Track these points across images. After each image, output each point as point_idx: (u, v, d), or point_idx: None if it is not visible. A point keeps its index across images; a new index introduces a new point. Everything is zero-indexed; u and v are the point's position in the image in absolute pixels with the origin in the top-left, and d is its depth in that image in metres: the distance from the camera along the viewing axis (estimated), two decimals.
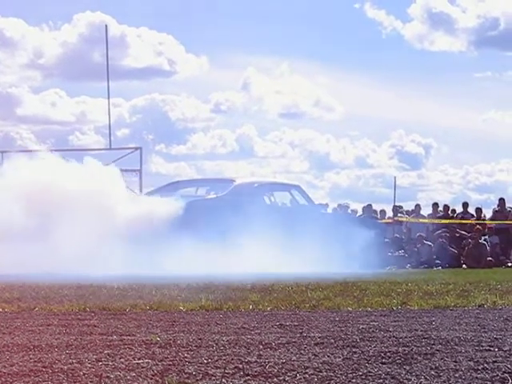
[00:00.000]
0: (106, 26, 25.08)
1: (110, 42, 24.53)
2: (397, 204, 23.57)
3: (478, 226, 21.88)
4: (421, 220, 22.74)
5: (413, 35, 41.47)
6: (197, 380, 3.43)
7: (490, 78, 40.08)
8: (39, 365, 3.77)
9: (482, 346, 4.51)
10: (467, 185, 37.59)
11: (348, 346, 4.53)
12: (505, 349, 4.41)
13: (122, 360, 3.94)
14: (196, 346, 4.47)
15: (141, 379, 3.44)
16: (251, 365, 3.80)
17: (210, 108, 41.61)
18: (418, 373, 3.63)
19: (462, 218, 22.58)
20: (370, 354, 4.20)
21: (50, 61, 36.59)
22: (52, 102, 37.65)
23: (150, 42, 38.61)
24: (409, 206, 24.78)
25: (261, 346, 4.47)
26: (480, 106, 43.59)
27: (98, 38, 28.98)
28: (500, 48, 42.42)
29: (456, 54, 39.95)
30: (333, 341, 4.73)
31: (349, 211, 22.95)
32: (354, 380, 3.45)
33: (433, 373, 3.63)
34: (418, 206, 23.70)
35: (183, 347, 4.44)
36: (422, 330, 5.31)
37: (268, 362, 3.86)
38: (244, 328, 5.45)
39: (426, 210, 23.59)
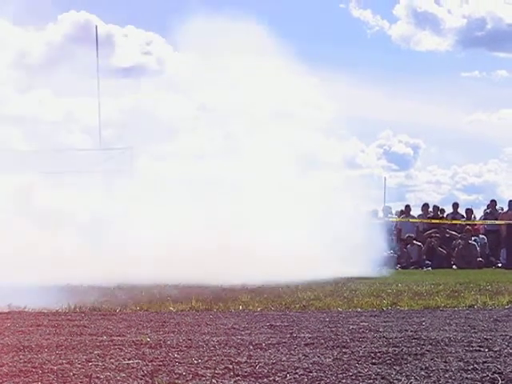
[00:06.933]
0: (96, 26, 25.03)
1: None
2: (386, 204, 23.61)
3: (468, 227, 21.92)
4: (411, 220, 22.75)
5: (399, 35, 41.44)
6: (187, 380, 3.42)
7: (477, 78, 40.07)
8: (29, 365, 3.76)
9: (472, 347, 4.51)
10: (455, 185, 37.56)
11: (338, 346, 4.53)
12: (495, 349, 4.42)
13: (111, 360, 3.94)
14: (186, 347, 4.47)
15: (131, 380, 3.44)
16: (241, 365, 3.80)
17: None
18: (408, 373, 3.64)
19: (453, 219, 22.61)
20: (360, 354, 4.21)
21: (36, 60, 36.45)
22: (39, 101, 37.46)
23: (136, 41, 38.55)
24: (397, 206, 24.79)
25: (251, 347, 4.47)
26: (468, 106, 43.54)
27: (83, 37, 28.90)
28: (487, 48, 42.43)
29: (443, 54, 39.90)
30: (323, 341, 4.73)
31: None
32: (344, 380, 3.46)
33: (423, 373, 3.64)
34: (408, 207, 23.72)
35: (173, 348, 4.43)
36: (412, 331, 5.31)
37: (258, 363, 3.86)
38: (234, 328, 5.44)
39: (416, 211, 23.62)
